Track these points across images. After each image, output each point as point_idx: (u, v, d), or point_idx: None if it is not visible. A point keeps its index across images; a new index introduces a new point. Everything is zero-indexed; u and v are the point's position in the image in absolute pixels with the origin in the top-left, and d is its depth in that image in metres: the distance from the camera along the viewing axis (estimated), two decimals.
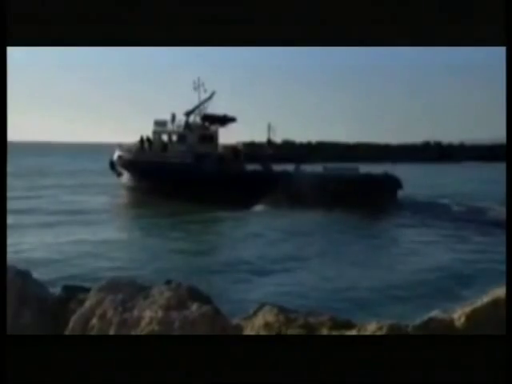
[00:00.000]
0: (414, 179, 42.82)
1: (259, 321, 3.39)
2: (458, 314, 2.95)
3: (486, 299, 2.95)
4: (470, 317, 2.91)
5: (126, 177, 39.24)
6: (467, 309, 2.93)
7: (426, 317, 3.00)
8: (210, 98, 38.53)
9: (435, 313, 3.03)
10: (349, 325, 3.24)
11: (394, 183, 32.14)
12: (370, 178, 31.98)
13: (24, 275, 4.02)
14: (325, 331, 3.18)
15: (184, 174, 34.14)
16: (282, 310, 3.43)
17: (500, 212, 25.47)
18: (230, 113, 38.62)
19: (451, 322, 2.97)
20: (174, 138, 37.83)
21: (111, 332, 3.50)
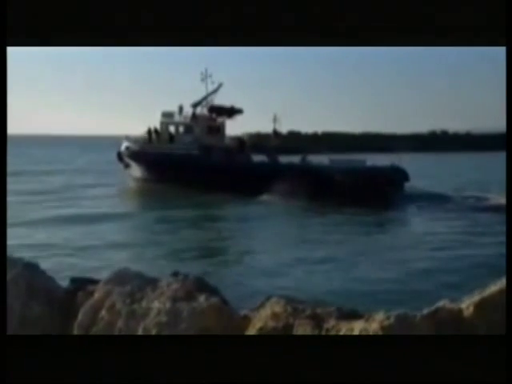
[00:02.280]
0: (421, 169, 42.63)
1: (266, 312, 3.40)
2: (466, 304, 2.94)
3: (494, 288, 2.94)
4: (479, 306, 2.90)
5: (133, 168, 39.44)
6: (476, 298, 2.93)
7: (433, 307, 3.00)
8: (217, 89, 38.57)
9: (443, 302, 3.03)
10: (356, 315, 3.24)
11: (400, 175, 31.93)
12: (376, 170, 31.79)
13: (32, 267, 4.04)
14: (332, 321, 3.18)
15: (191, 165, 34.21)
16: (289, 300, 3.44)
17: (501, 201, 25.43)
18: (236, 104, 38.62)
19: (459, 311, 2.96)
20: (181, 129, 37.93)
21: (120, 323, 3.52)
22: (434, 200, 29.88)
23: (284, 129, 79.63)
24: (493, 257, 15.01)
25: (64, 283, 4.18)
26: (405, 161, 33.50)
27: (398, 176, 31.72)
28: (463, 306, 2.95)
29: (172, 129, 38.06)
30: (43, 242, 17.46)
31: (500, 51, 3.33)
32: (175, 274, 3.89)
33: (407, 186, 32.14)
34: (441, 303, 3.02)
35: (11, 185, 31.96)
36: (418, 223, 24.44)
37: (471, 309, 2.92)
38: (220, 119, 38.79)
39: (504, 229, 20.59)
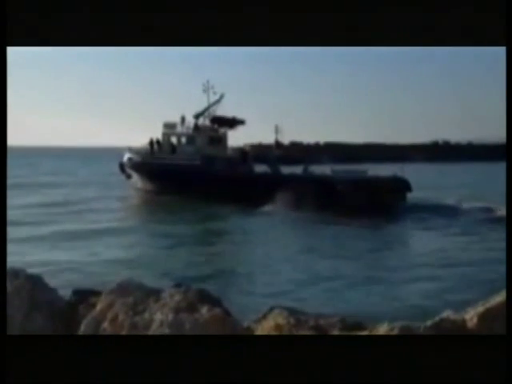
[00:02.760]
0: (424, 180, 42.53)
1: (269, 323, 3.39)
2: (470, 315, 2.93)
3: (498, 299, 2.92)
4: (483, 317, 2.89)
5: (135, 179, 39.51)
6: (479, 309, 2.91)
7: (437, 318, 2.98)
8: (219, 100, 38.66)
9: (447, 313, 3.01)
10: (360, 326, 3.23)
11: (403, 185, 31.87)
12: (378, 180, 31.74)
13: (34, 279, 4.03)
14: (335, 333, 3.17)
15: (193, 175, 34.23)
16: (292, 312, 3.43)
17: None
18: (238, 114, 38.70)
19: (463, 322, 2.94)
20: (183, 140, 37.97)
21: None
22: (437, 211, 29.77)
23: (286, 139, 79.78)
24: (493, 272, 14.86)
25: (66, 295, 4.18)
26: (407, 171, 33.41)
27: (400, 186, 31.65)
28: (467, 316, 2.94)
29: (174, 140, 38.11)
30: (46, 258, 17.32)
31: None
32: (177, 286, 3.88)
33: (409, 196, 32.06)
34: (444, 314, 3.01)
35: (15, 198, 32.13)
36: (419, 235, 24.23)
37: (475, 320, 2.90)
38: (222, 130, 38.85)
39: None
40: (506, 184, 3.50)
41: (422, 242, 22.30)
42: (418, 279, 15.07)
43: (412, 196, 31.80)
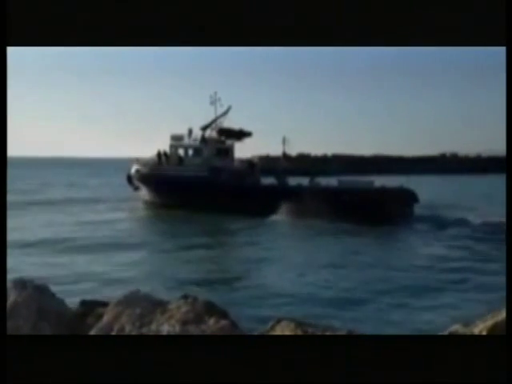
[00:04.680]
0: (431, 192, 42.36)
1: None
2: (479, 328, 2.91)
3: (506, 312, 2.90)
4: (492, 330, 2.86)
5: (143, 190, 39.65)
6: (489, 322, 2.89)
7: (446, 331, 2.97)
8: (226, 112, 38.86)
9: (456, 327, 2.99)
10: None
11: (409, 197, 31.76)
12: (385, 191, 31.65)
13: (42, 290, 4.04)
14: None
15: (200, 187, 34.31)
16: (299, 324, 3.41)
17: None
18: (245, 126, 38.85)
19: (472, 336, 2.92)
20: (191, 151, 38.12)
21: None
22: (443, 223, 29.61)
23: (293, 151, 79.84)
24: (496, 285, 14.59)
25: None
26: (414, 183, 33.33)
27: (406, 197, 31.54)
28: (476, 330, 2.92)
29: (181, 151, 38.30)
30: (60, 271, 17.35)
31: None
32: (184, 297, 3.88)
33: (416, 207, 31.94)
34: (453, 327, 2.99)
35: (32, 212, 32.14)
36: (426, 246, 24.04)
37: (484, 333, 2.88)
38: (229, 142, 39.01)
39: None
40: (506, 195, 3.49)
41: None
42: None
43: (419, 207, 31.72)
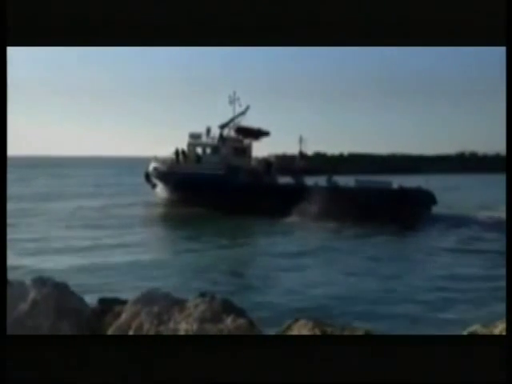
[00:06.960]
0: (449, 192, 41.97)
1: (294, 334, 3.36)
2: (499, 329, 2.88)
3: None
4: None
5: (160, 188, 39.88)
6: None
7: (465, 331, 2.94)
8: (244, 112, 38.95)
9: (475, 327, 2.96)
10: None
11: (427, 198, 31.49)
12: (402, 192, 31.39)
13: (61, 287, 4.07)
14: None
15: (217, 185, 34.39)
16: (317, 323, 3.40)
17: None
18: (263, 125, 38.87)
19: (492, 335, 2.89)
20: (208, 150, 38.25)
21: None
22: (461, 223, 29.35)
23: (310, 150, 79.75)
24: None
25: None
26: (433, 182, 33.00)
27: (424, 199, 31.29)
28: (496, 330, 2.89)
29: (199, 150, 38.45)
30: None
31: None
32: (202, 295, 3.89)
33: (434, 208, 31.67)
34: (473, 327, 2.96)
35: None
36: (444, 249, 23.67)
37: (504, 333, 2.85)
38: (247, 141, 39.09)
39: None
40: (506, 194, 3.45)
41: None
42: None
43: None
